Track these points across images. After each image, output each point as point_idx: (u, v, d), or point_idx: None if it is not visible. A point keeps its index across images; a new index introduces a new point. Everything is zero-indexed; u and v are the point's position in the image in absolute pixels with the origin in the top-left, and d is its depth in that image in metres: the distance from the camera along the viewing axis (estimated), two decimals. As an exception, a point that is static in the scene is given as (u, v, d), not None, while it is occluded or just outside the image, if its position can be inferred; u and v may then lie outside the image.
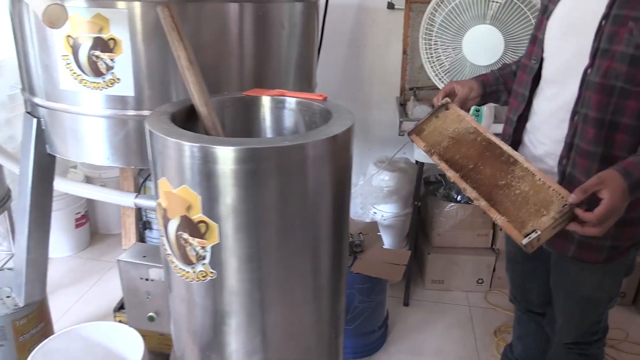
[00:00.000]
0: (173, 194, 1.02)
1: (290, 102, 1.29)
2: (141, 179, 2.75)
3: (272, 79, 1.69)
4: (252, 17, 1.59)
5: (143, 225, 2.82)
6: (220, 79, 1.58)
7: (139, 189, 2.72)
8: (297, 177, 1.01)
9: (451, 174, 1.29)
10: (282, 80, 1.73)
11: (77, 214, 2.88)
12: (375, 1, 2.64)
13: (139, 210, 2.81)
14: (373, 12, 2.67)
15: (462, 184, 1.26)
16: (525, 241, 1.08)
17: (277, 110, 1.30)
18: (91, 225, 3.07)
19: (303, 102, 1.27)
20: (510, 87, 1.50)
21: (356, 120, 2.92)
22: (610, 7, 1.16)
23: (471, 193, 1.23)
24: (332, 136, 1.01)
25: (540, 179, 1.16)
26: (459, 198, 2.58)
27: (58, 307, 2.34)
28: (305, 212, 1.05)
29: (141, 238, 2.85)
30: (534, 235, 1.09)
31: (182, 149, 0.97)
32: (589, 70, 1.20)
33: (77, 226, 2.90)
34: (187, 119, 1.21)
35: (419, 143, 1.40)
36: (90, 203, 2.99)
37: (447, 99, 1.40)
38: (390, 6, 2.62)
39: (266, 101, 1.31)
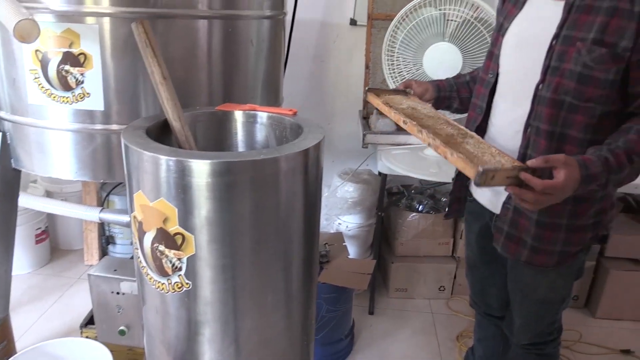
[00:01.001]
0: (149, 207, 1.04)
1: (262, 116, 1.33)
2: (104, 192, 2.73)
3: (241, 93, 1.73)
4: (221, 33, 1.62)
5: (106, 240, 2.79)
6: (190, 93, 1.61)
7: (102, 203, 2.70)
8: (270, 189, 1.05)
9: (406, 119, 1.26)
10: (250, 94, 1.77)
11: (37, 229, 2.82)
12: (339, 17, 2.72)
13: (101, 225, 2.78)
14: (337, 28, 2.74)
15: (416, 127, 1.23)
16: (480, 168, 1.03)
17: (249, 125, 1.34)
18: (52, 241, 3.01)
19: (274, 116, 1.31)
20: (462, 95, 1.57)
21: (321, 133, 2.94)
22: (560, 28, 1.25)
23: (426, 136, 1.20)
24: (304, 150, 1.06)
25: (498, 151, 1.17)
26: (420, 208, 2.66)
27: (19, 326, 2.29)
28: (278, 223, 1.09)
29: (104, 253, 2.82)
30: (490, 167, 1.06)
31: (159, 163, 1.00)
32: (540, 86, 1.29)
33: (37, 242, 2.84)
34: (160, 134, 1.23)
35: (374, 99, 1.39)
36: (50, 218, 2.94)
37: (410, 89, 1.46)
38: (353, 22, 2.70)
39: (238, 116, 1.35)
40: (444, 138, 1.19)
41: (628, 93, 1.23)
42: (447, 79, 1.63)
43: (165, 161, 0.99)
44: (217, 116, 1.35)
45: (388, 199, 2.78)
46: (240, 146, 1.36)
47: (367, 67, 2.61)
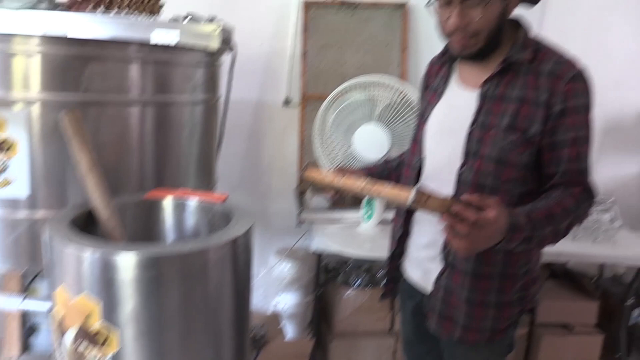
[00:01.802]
0: (71, 302, 1.00)
1: (192, 203, 1.33)
2: (27, 278, 2.58)
3: (173, 178, 1.72)
4: (154, 119, 1.64)
5: (28, 330, 2.61)
6: (120, 179, 1.60)
7: (25, 290, 2.55)
8: (199, 281, 1.04)
9: (341, 178, 1.26)
10: (183, 178, 1.77)
11: (-50, 319, 2.62)
12: (273, 97, 2.80)
13: (24, 313, 2.61)
14: (271, 107, 2.81)
15: (350, 180, 1.23)
16: (413, 191, 1.05)
17: (179, 212, 1.34)
18: (-33, 330, 2.79)
19: (204, 203, 1.31)
20: (392, 179, 1.62)
21: (257, 211, 2.98)
22: (476, 115, 1.34)
23: (362, 183, 1.20)
24: (232, 239, 1.06)
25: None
26: (357, 283, 2.67)
27: None
28: (207, 314, 1.07)
29: (26, 344, 2.63)
30: (425, 189, 1.07)
31: (82, 257, 0.97)
32: (462, 169, 1.36)
33: (-50, 333, 2.62)
34: (87, 223, 1.21)
35: (311, 172, 1.36)
36: (-34, 306, 2.73)
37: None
38: (287, 102, 2.78)
39: (167, 203, 1.34)
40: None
41: (542, 174, 1.32)
42: (377, 164, 1.69)
43: (89, 255, 0.97)
44: (146, 203, 1.34)
45: (325, 275, 2.78)
46: (170, 234, 1.35)
47: (301, 145, 2.68)
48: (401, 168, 1.64)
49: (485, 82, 1.34)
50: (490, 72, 1.33)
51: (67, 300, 1.01)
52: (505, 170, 1.30)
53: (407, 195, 1.07)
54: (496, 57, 1.33)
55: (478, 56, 1.33)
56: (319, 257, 2.44)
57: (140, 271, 0.96)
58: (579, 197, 1.28)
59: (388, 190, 1.12)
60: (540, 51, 1.32)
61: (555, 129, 1.27)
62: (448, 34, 1.31)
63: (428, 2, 1.33)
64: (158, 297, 0.99)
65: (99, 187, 1.21)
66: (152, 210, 1.35)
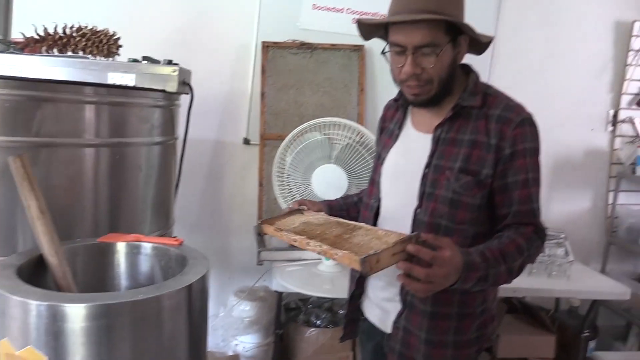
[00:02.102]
0: (16, 356, 0.96)
1: (146, 247, 1.31)
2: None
3: (129, 220, 1.69)
4: (108, 161, 1.62)
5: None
6: (73, 223, 1.56)
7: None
8: (152, 329, 1.01)
9: (296, 237, 1.25)
10: (139, 220, 1.74)
11: None
12: (232, 136, 2.80)
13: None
14: (230, 146, 2.82)
15: (305, 241, 1.22)
16: (362, 257, 1.03)
17: (133, 256, 1.31)
18: None
19: (159, 247, 1.29)
20: (352, 215, 1.63)
21: (216, 250, 2.94)
22: (430, 157, 1.38)
23: (314, 246, 1.19)
24: (187, 285, 1.04)
25: (385, 232, 1.20)
26: (319, 322, 2.65)
27: None
28: (160, 362, 1.04)
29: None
30: (372, 252, 1.04)
31: (28, 308, 0.94)
32: (418, 210, 1.39)
33: None
34: (35, 270, 1.17)
35: (268, 228, 1.37)
36: None
37: (304, 207, 1.47)
38: (246, 141, 2.79)
39: (121, 247, 1.32)
40: (332, 240, 1.20)
41: (495, 215, 1.36)
42: (337, 199, 1.71)
43: (35, 306, 0.93)
44: (99, 248, 1.31)
45: (286, 315, 2.75)
46: (123, 279, 1.32)
47: (260, 184, 2.68)
48: (360, 204, 1.65)
49: (438, 126, 1.38)
50: (443, 117, 1.37)
51: (12, 354, 0.97)
52: (459, 211, 1.33)
53: (357, 265, 1.05)
54: (448, 102, 1.38)
55: (431, 103, 1.38)
56: (280, 296, 2.42)
57: (89, 321, 0.93)
58: (531, 237, 1.32)
59: (340, 257, 1.11)
60: (489, 96, 1.37)
61: (505, 172, 1.32)
62: (401, 81, 1.35)
63: (382, 51, 1.38)
64: (109, 348, 0.96)
65: (48, 233, 1.17)
66: (105, 254, 1.32)
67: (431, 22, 1.26)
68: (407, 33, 1.28)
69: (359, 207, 1.66)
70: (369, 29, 1.44)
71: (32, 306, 0.93)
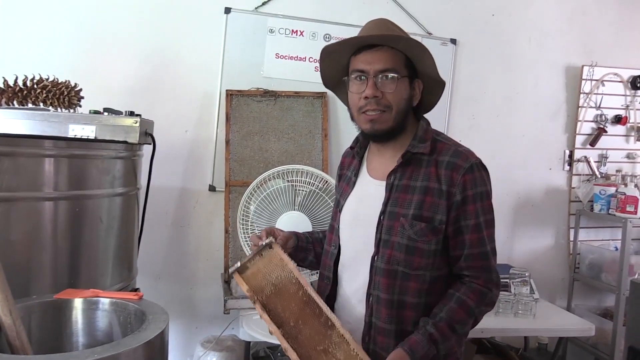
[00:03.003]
0: None
1: (104, 302, 1.28)
2: None
3: (89, 273, 1.67)
4: (68, 214, 1.60)
5: None
6: (32, 278, 1.53)
7: None
8: (108, 389, 0.99)
9: (273, 329, 1.32)
10: (100, 273, 1.72)
11: None
12: (198, 184, 2.80)
13: None
14: (196, 193, 2.81)
15: (284, 344, 1.30)
16: None
17: (90, 312, 1.28)
18: None
19: (118, 302, 1.27)
20: (317, 249, 1.63)
21: (182, 299, 2.89)
22: (385, 205, 1.40)
23: (292, 354, 1.28)
24: (145, 342, 1.03)
25: (353, 349, 1.26)
26: (288, 370, 2.60)
27: None
28: None
29: None
30: None
31: (-23, 373, 0.91)
32: (375, 257, 1.40)
33: None
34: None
35: (243, 285, 1.39)
36: None
37: (272, 238, 1.44)
38: (212, 188, 2.79)
39: (78, 303, 1.29)
40: (306, 352, 1.30)
41: (449, 257, 1.38)
42: (303, 232, 1.69)
43: (-16, 370, 0.90)
44: (55, 305, 1.28)
45: (255, 364, 2.70)
46: (80, 336, 1.28)
47: (226, 231, 2.66)
48: (324, 240, 1.64)
49: (390, 173, 1.41)
50: (395, 164, 1.41)
51: (-41, 422, 0.93)
52: (415, 257, 1.35)
53: None
54: (399, 149, 1.41)
55: (386, 136, 1.41)
56: (248, 345, 2.37)
57: (42, 384, 0.91)
58: (481, 291, 1.36)
59: None
60: (438, 143, 1.42)
61: (458, 217, 1.35)
62: (361, 106, 1.38)
63: (344, 78, 1.42)
64: (62, 411, 0.93)
65: (1, 292, 1.14)
66: (61, 311, 1.28)
67: (392, 51, 1.34)
68: (370, 59, 1.35)
69: (322, 243, 1.66)
70: (331, 67, 1.47)
71: (-19, 370, 0.90)
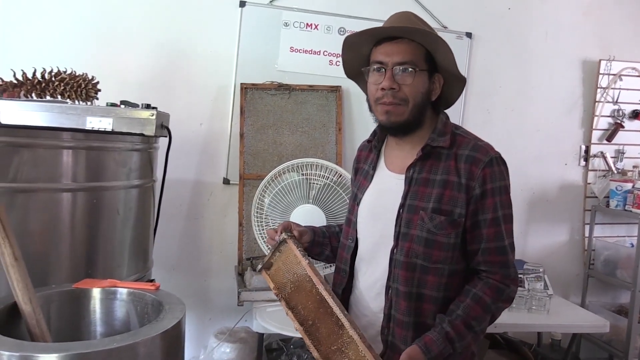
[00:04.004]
0: (-15, 409, 0.94)
1: (122, 292, 1.30)
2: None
3: (106, 264, 1.69)
4: (85, 205, 1.62)
5: None
6: (50, 268, 1.55)
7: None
8: (127, 377, 1.00)
9: (298, 327, 1.38)
10: (117, 263, 1.73)
11: None
12: (212, 177, 2.82)
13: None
14: (210, 186, 2.83)
15: (307, 341, 1.35)
16: None
17: (108, 302, 1.30)
18: None
19: (135, 292, 1.29)
20: (333, 244, 1.64)
21: (196, 291, 2.90)
22: (404, 198, 1.40)
23: (314, 352, 1.33)
24: (162, 332, 1.04)
25: (361, 350, 1.27)
26: (300, 363, 2.62)
27: None
28: (135, 411, 1.03)
29: None
30: None
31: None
32: (394, 250, 1.40)
33: None
34: (9, 318, 1.16)
35: (269, 283, 1.45)
36: None
37: (285, 234, 1.46)
38: (226, 181, 2.80)
39: (96, 293, 1.31)
40: (325, 350, 1.33)
41: (467, 251, 1.38)
42: (320, 227, 1.70)
43: (7, 357, 0.92)
44: (74, 294, 1.29)
45: (267, 356, 2.71)
46: (99, 325, 1.30)
47: (240, 224, 2.68)
48: (341, 234, 1.64)
49: (410, 167, 1.41)
50: (414, 158, 1.40)
51: (-18, 407, 0.95)
52: (434, 251, 1.35)
53: None
54: (418, 142, 1.41)
55: (402, 129, 1.41)
56: (261, 337, 2.39)
57: (62, 371, 0.92)
58: (497, 291, 1.36)
59: None
60: (458, 136, 1.41)
61: (476, 211, 1.35)
62: (378, 97, 1.38)
63: (364, 69, 1.43)
64: (82, 398, 0.94)
65: (21, 280, 1.16)
66: (80, 300, 1.30)
67: (412, 44, 1.35)
68: (389, 51, 1.35)
69: (339, 237, 1.66)
70: (353, 57, 1.47)
71: (3, 357, 0.92)
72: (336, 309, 1.34)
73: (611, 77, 3.21)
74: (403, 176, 1.42)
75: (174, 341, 1.10)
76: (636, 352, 2.95)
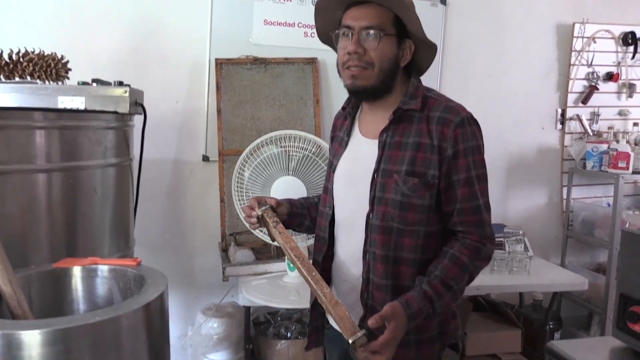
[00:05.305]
0: (-31, 389, 0.94)
1: (103, 269, 1.30)
2: None
3: (86, 244, 1.68)
4: (62, 185, 1.61)
5: None
6: (29, 250, 1.54)
7: None
8: (111, 350, 1.00)
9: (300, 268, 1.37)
10: (97, 243, 1.73)
11: None
12: (191, 155, 2.80)
13: None
14: (190, 164, 2.81)
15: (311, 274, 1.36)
16: (352, 339, 1.20)
17: (89, 280, 1.30)
18: None
19: (116, 269, 1.28)
20: (313, 214, 1.65)
21: (181, 269, 2.91)
22: (378, 163, 1.41)
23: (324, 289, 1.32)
24: (145, 304, 1.04)
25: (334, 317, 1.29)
26: (289, 334, 2.65)
27: None
28: (122, 384, 1.03)
29: None
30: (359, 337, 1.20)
31: (-19, 338, 0.92)
32: (370, 215, 1.42)
33: None
34: (-12, 301, 1.15)
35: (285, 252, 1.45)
36: None
37: (260, 209, 1.48)
38: (205, 159, 2.79)
39: (77, 271, 1.30)
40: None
41: (443, 212, 1.40)
42: (297, 199, 1.71)
43: (-12, 336, 0.92)
44: (54, 274, 1.29)
45: (255, 329, 2.74)
46: (81, 303, 1.30)
47: (222, 200, 2.68)
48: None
49: (383, 131, 1.42)
50: (386, 122, 1.41)
51: (-34, 386, 0.95)
52: (409, 213, 1.37)
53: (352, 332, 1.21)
54: (391, 107, 1.42)
55: (370, 94, 1.42)
56: (248, 311, 2.41)
57: (46, 347, 0.92)
58: (474, 250, 1.37)
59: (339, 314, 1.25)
60: (429, 99, 1.42)
61: (449, 172, 1.36)
62: (344, 62, 1.39)
63: (332, 33, 1.43)
64: (67, 372, 0.95)
65: (0, 262, 1.15)
66: (61, 279, 1.29)
67: (380, 8, 1.35)
68: (356, 15, 1.36)
69: (319, 207, 1.67)
70: (324, 22, 1.47)
71: (-16, 336, 0.92)
72: (306, 276, 1.35)
73: (585, 40, 3.23)
74: (377, 141, 1.43)
75: (157, 313, 1.10)
76: (614, 306, 3.03)
